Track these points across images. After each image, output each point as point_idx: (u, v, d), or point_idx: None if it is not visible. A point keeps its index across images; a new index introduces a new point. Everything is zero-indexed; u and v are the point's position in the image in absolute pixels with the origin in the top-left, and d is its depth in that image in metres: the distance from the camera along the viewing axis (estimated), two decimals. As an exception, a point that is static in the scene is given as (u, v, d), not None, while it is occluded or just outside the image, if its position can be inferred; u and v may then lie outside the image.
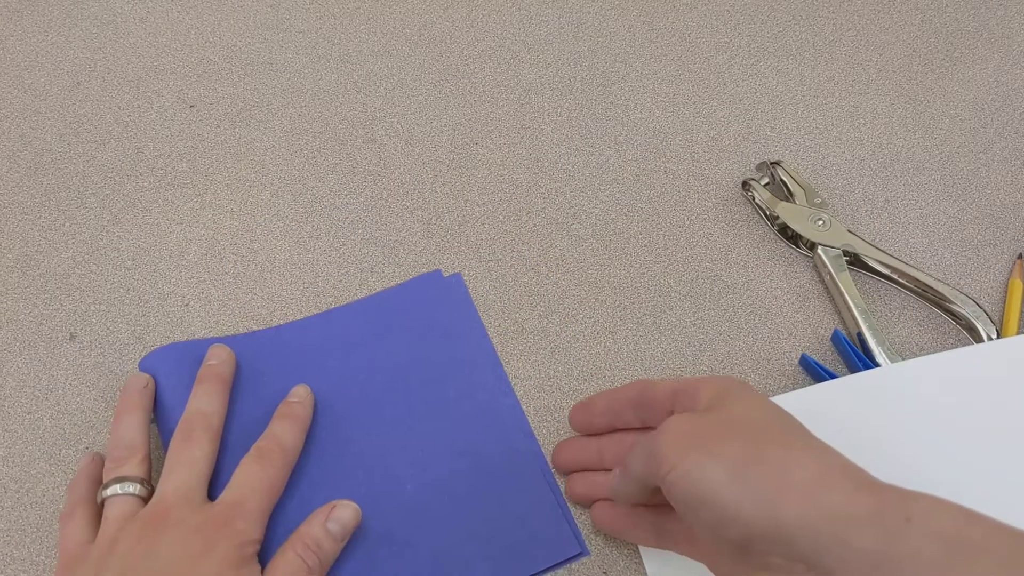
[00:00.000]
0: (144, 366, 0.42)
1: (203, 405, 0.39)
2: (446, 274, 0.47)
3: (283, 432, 0.39)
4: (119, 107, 0.53)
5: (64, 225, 0.48)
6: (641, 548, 0.38)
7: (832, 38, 0.57)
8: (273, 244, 0.48)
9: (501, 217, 0.49)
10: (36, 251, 0.47)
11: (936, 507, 0.27)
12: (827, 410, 0.40)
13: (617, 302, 0.46)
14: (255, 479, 0.36)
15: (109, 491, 0.36)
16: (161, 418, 0.40)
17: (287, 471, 0.38)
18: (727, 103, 0.54)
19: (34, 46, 0.56)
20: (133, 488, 0.36)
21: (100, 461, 0.39)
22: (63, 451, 0.41)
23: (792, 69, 0.55)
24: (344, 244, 0.48)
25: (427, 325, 0.44)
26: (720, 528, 0.30)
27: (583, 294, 0.46)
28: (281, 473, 0.37)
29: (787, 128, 0.53)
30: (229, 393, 0.40)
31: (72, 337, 0.44)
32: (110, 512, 0.36)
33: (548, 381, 0.43)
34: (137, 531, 0.34)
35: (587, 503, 0.39)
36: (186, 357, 0.41)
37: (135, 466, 0.37)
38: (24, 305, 0.45)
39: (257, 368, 0.42)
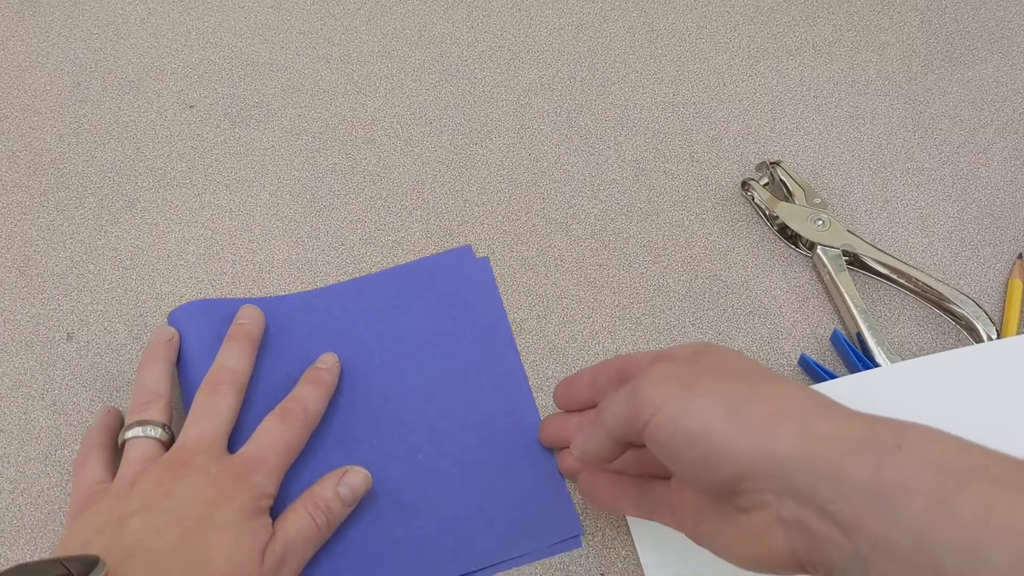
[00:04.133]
0: (172, 320, 0.43)
1: (231, 361, 0.40)
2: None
3: (308, 396, 0.40)
4: (119, 107, 0.53)
5: (63, 225, 0.48)
6: (637, 545, 0.38)
7: (831, 38, 0.57)
8: (272, 244, 0.48)
9: (500, 217, 0.49)
10: (34, 251, 0.47)
11: (929, 436, 0.27)
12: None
13: (616, 302, 0.46)
14: (276, 437, 0.37)
15: (131, 433, 0.37)
16: (184, 371, 0.41)
17: (307, 433, 0.39)
18: (727, 103, 0.54)
19: (34, 46, 0.56)
20: (155, 432, 0.37)
21: (116, 413, 0.40)
22: (59, 452, 0.41)
23: (791, 69, 0.55)
24: (343, 244, 0.48)
25: (452, 299, 0.45)
26: (710, 468, 0.29)
27: (582, 294, 0.46)
28: (301, 434, 0.39)
29: (786, 128, 0.53)
30: (256, 352, 0.41)
31: (69, 337, 0.44)
32: (131, 453, 0.37)
33: (547, 381, 0.43)
34: (158, 472, 0.35)
35: (576, 476, 0.39)
36: (213, 314, 0.43)
37: (158, 412, 0.38)
38: (21, 305, 0.45)
39: (284, 330, 0.43)
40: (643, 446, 0.32)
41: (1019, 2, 0.58)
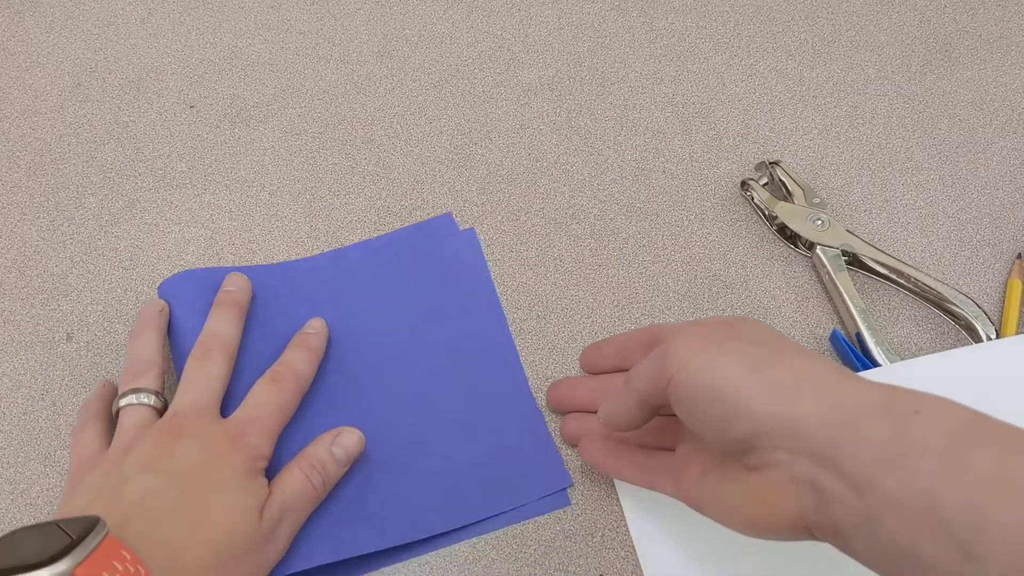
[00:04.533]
0: (161, 292, 0.43)
1: (220, 327, 0.40)
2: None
3: (298, 359, 0.40)
4: (119, 107, 0.53)
5: (63, 225, 0.48)
6: (636, 543, 0.38)
7: (831, 38, 0.57)
8: (272, 244, 0.48)
9: (500, 217, 0.49)
10: (34, 251, 0.47)
11: (946, 404, 0.28)
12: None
13: (616, 302, 0.46)
14: (269, 399, 0.38)
15: (124, 401, 0.38)
16: (175, 340, 0.41)
17: (299, 396, 0.40)
18: (726, 103, 0.54)
19: (35, 46, 0.56)
20: (148, 399, 0.38)
21: (112, 387, 0.41)
22: (58, 452, 0.41)
23: (791, 69, 0.55)
24: (343, 244, 0.48)
25: (435, 264, 0.46)
26: (728, 424, 0.30)
27: (581, 294, 0.46)
28: (293, 397, 0.39)
29: (786, 128, 0.53)
30: (244, 318, 0.42)
31: (69, 337, 0.44)
32: (125, 420, 0.37)
33: (547, 382, 0.43)
34: (154, 437, 0.36)
35: (577, 441, 0.40)
36: (202, 284, 0.43)
37: (151, 380, 0.39)
38: (21, 305, 0.45)
39: (272, 298, 0.44)
40: (665, 414, 0.33)
41: (1017, 2, 0.58)
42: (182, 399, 0.37)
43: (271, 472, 0.37)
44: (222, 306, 0.41)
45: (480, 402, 0.42)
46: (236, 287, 0.42)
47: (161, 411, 0.38)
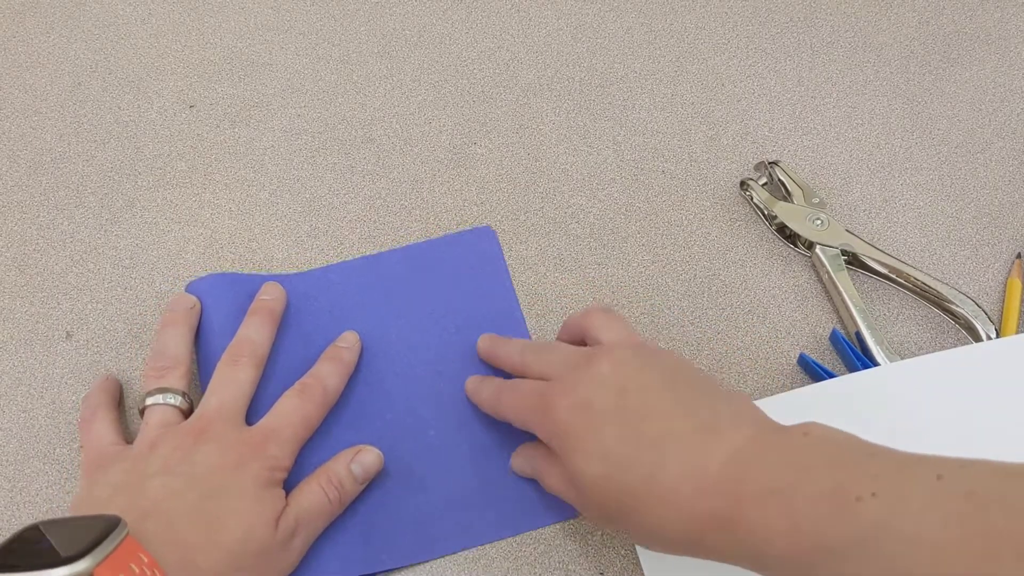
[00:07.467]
0: (191, 290, 0.43)
1: (253, 334, 0.40)
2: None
3: (328, 373, 0.40)
4: (119, 107, 0.53)
5: (63, 224, 0.48)
6: (638, 546, 0.38)
7: (830, 39, 0.57)
8: (271, 244, 0.48)
9: (499, 217, 0.49)
10: (34, 250, 0.47)
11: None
12: (825, 409, 0.40)
13: (615, 301, 0.46)
14: (294, 411, 0.38)
15: (151, 400, 0.38)
16: (203, 342, 0.41)
17: (325, 410, 0.40)
18: (725, 103, 0.54)
19: (35, 46, 0.56)
20: (175, 399, 0.38)
21: (115, 381, 0.42)
22: (58, 450, 0.41)
23: (790, 70, 0.55)
24: (342, 244, 0.48)
25: (468, 277, 0.46)
26: (648, 539, 0.33)
27: (581, 294, 0.46)
28: (319, 410, 0.39)
29: (785, 128, 0.53)
30: (277, 328, 0.42)
31: (69, 336, 0.44)
32: (151, 418, 0.38)
33: (546, 380, 0.43)
34: (177, 438, 0.36)
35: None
36: (235, 289, 0.43)
37: (178, 379, 0.39)
38: (21, 304, 0.45)
39: (302, 306, 0.44)
40: None
41: (1016, 3, 0.58)
42: (209, 402, 0.38)
43: (292, 483, 0.37)
44: (256, 314, 0.41)
45: (502, 422, 0.41)
46: (271, 297, 0.43)
47: (187, 412, 0.38)
